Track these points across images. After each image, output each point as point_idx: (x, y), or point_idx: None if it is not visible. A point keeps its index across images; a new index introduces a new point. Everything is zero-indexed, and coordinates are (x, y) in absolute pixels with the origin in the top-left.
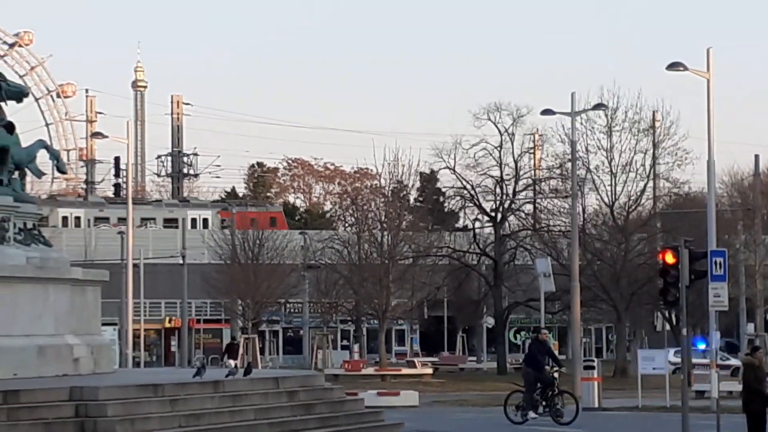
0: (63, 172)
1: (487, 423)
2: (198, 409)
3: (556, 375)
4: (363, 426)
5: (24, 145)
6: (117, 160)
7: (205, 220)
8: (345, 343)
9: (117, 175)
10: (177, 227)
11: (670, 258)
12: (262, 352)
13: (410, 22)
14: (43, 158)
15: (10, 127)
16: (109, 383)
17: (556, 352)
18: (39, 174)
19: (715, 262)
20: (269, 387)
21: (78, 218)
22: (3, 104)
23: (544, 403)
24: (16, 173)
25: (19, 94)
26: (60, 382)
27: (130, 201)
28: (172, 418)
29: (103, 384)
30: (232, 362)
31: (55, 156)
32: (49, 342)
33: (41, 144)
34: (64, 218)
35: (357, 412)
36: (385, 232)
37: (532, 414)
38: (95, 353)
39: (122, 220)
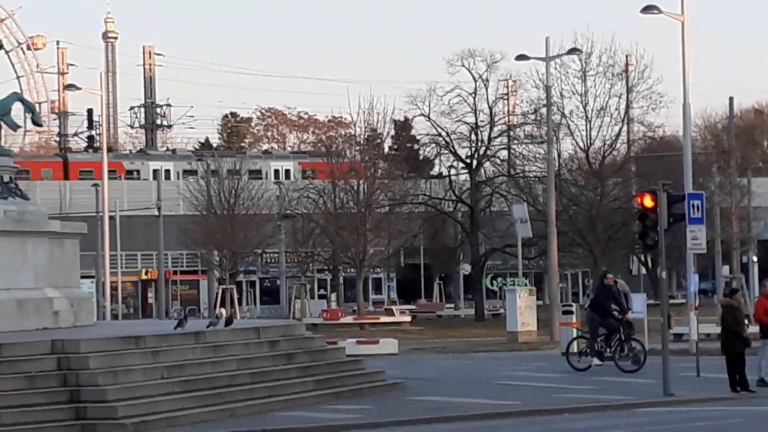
0: (39, 125)
1: (467, 368)
2: (180, 360)
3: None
4: (345, 374)
5: None
6: (90, 112)
7: (288, 171)
8: (322, 292)
9: (90, 127)
10: (261, 179)
11: (648, 201)
12: (240, 303)
13: None
14: (16, 111)
15: None
16: (91, 336)
17: (533, 298)
18: (14, 127)
19: (693, 205)
20: (250, 337)
21: (168, 171)
22: None
23: (608, 349)
24: None
25: None
26: (41, 336)
27: (105, 152)
28: (155, 370)
29: (85, 336)
30: (223, 311)
31: (30, 108)
32: (29, 295)
33: (16, 97)
34: (155, 171)
35: (338, 361)
36: (361, 181)
37: (596, 361)
38: (75, 306)
39: (213, 173)
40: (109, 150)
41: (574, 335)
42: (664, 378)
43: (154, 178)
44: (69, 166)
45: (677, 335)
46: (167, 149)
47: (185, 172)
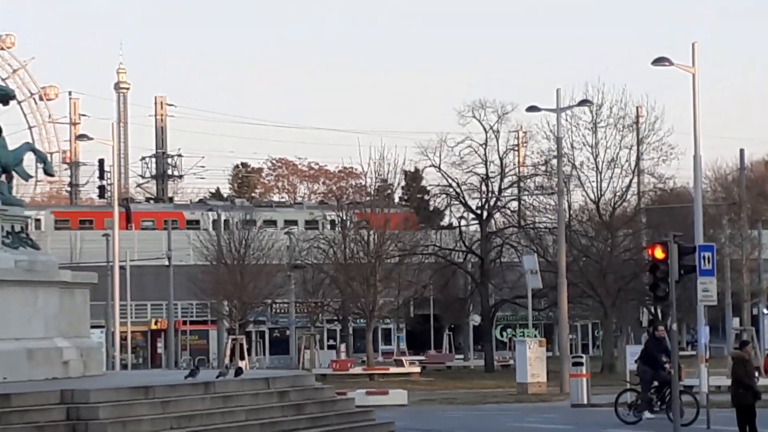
0: (51, 175)
1: (477, 419)
2: (189, 410)
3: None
4: (354, 425)
5: (10, 148)
6: (101, 162)
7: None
8: (331, 342)
9: (101, 177)
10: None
11: (659, 253)
12: (249, 353)
13: (394, 21)
14: (28, 161)
15: None
16: (100, 386)
17: (543, 349)
18: (26, 177)
19: (704, 257)
20: (260, 387)
21: (227, 222)
22: None
23: (659, 402)
24: (3, 176)
25: (5, 96)
26: (51, 385)
27: (116, 203)
28: (164, 420)
29: (94, 386)
30: (241, 363)
31: (42, 159)
32: (39, 345)
33: (28, 147)
34: (215, 221)
35: (348, 412)
36: (371, 231)
37: (647, 414)
38: (85, 356)
39: (289, 223)
40: (158, 199)
41: (626, 387)
42: (675, 430)
43: (214, 228)
44: (132, 216)
45: (687, 387)
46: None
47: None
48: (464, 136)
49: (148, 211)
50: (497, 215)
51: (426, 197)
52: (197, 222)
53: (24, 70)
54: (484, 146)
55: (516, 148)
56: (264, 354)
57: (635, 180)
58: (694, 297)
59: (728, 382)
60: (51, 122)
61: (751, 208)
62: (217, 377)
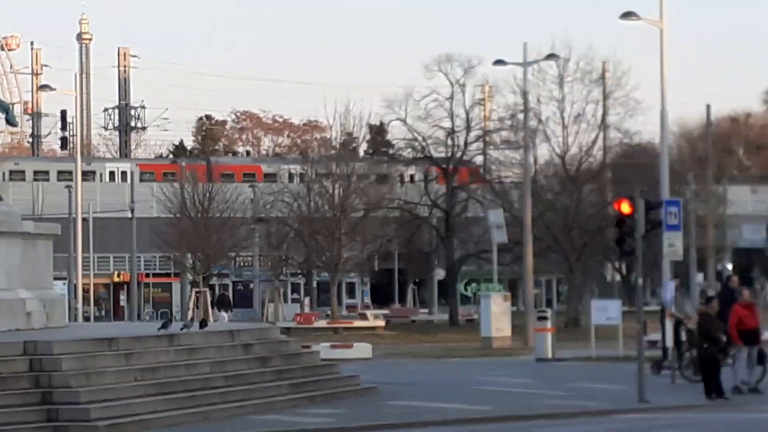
0: (13, 125)
1: (442, 373)
2: (153, 362)
3: None
4: (319, 378)
5: None
6: (63, 113)
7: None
8: (295, 296)
9: (64, 128)
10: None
11: (625, 207)
12: (213, 306)
13: None
14: None
15: None
16: (63, 337)
17: (508, 304)
18: None
19: (670, 212)
20: (224, 340)
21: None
22: None
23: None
24: None
25: None
26: (13, 337)
27: (78, 155)
28: (128, 372)
29: (57, 338)
30: (224, 314)
31: (4, 108)
32: (1, 296)
33: None
34: (291, 174)
35: (312, 365)
36: (336, 185)
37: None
38: (47, 307)
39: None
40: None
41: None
42: (638, 384)
43: (290, 180)
44: (212, 168)
45: (651, 342)
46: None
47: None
48: (430, 89)
49: (227, 164)
50: (462, 169)
51: (391, 151)
52: (274, 175)
53: None
54: (450, 100)
55: (482, 102)
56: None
57: (601, 135)
58: (660, 252)
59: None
60: (12, 72)
61: (717, 164)
62: (182, 329)
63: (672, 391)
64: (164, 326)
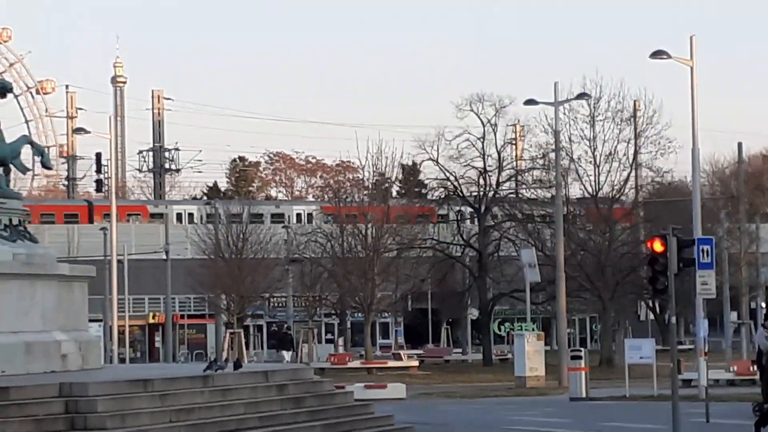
0: (48, 168)
1: (476, 413)
2: (188, 403)
3: None
4: (353, 419)
5: (8, 141)
6: (98, 156)
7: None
8: (329, 336)
9: (98, 171)
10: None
11: (658, 246)
12: (247, 347)
13: (392, 14)
14: (26, 155)
15: None
16: (99, 379)
17: (542, 343)
18: (24, 170)
19: (703, 250)
20: (259, 381)
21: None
22: None
23: None
24: (1, 169)
25: (2, 89)
26: (49, 379)
27: (113, 197)
28: (163, 413)
29: (93, 380)
30: (285, 354)
31: (39, 151)
32: (37, 338)
33: (26, 139)
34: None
35: (346, 405)
36: (369, 225)
37: None
38: (83, 349)
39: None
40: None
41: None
42: (673, 424)
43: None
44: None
45: (686, 381)
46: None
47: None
48: (462, 129)
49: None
50: (495, 209)
51: (423, 191)
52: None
53: (21, 63)
54: (481, 140)
55: (514, 142)
56: (262, 348)
57: (633, 174)
58: (693, 290)
59: (727, 375)
60: (48, 116)
61: (749, 202)
62: (216, 370)
63: (708, 431)
64: (209, 368)
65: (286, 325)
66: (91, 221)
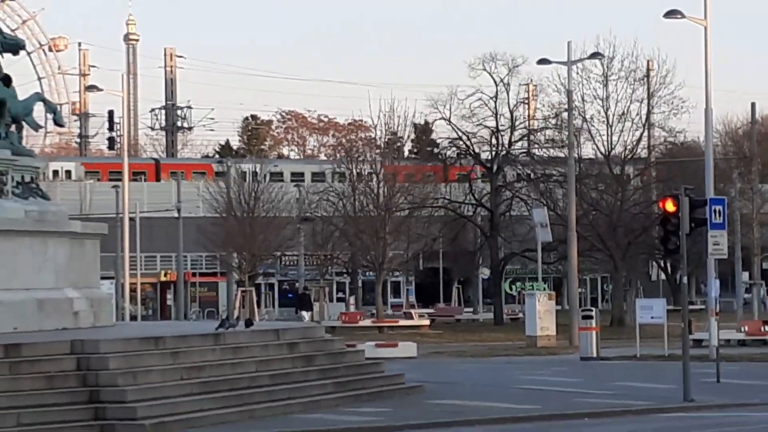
0: (61, 125)
1: (486, 372)
2: (199, 361)
3: None
4: (364, 377)
5: (20, 98)
6: (111, 113)
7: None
8: (341, 295)
9: (111, 129)
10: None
11: (670, 206)
12: (258, 305)
13: None
14: (38, 112)
15: (6, 80)
16: (110, 336)
17: (553, 303)
18: (36, 127)
19: (715, 210)
20: (269, 339)
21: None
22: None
23: None
24: (13, 126)
25: (15, 46)
26: (61, 336)
27: (125, 155)
28: (174, 371)
29: (104, 337)
30: (305, 314)
31: (52, 109)
32: (49, 295)
33: (38, 97)
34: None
35: (357, 364)
36: (381, 184)
37: None
38: (95, 307)
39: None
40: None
41: None
42: (684, 383)
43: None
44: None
45: (697, 341)
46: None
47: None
48: (474, 88)
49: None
50: (507, 168)
51: (436, 150)
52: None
53: (33, 20)
54: (494, 99)
55: (526, 101)
56: (273, 306)
57: (646, 134)
58: (705, 251)
59: (738, 335)
60: (60, 73)
61: (762, 163)
62: (227, 328)
63: (718, 391)
64: (222, 325)
65: (305, 286)
66: (158, 179)
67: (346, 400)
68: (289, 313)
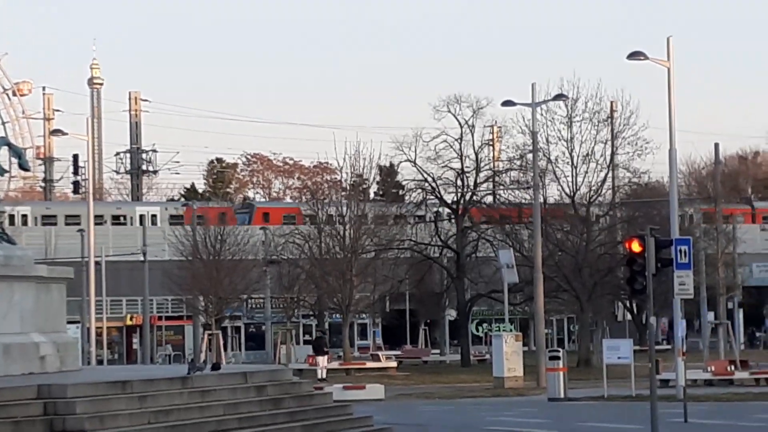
0: (26, 170)
1: (454, 414)
2: (167, 405)
3: None
4: (332, 420)
5: None
6: (75, 157)
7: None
8: (307, 338)
9: (75, 173)
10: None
11: (636, 246)
12: (225, 348)
13: (369, 15)
14: (2, 156)
15: None
16: (77, 381)
17: (520, 344)
18: (1, 172)
19: (680, 251)
20: (237, 382)
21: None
22: None
23: None
24: None
25: None
26: (27, 381)
27: (90, 199)
28: (141, 415)
29: (71, 381)
30: (320, 359)
31: (17, 153)
32: (15, 340)
33: (3, 141)
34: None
35: (325, 406)
36: (347, 226)
37: None
38: (61, 351)
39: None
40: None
41: None
42: (652, 424)
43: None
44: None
45: (664, 381)
46: None
47: None
48: (439, 130)
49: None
50: (472, 210)
51: (401, 192)
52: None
53: None
54: (459, 141)
55: (491, 143)
56: (240, 349)
57: (610, 174)
58: (671, 290)
59: (704, 375)
60: (25, 117)
61: (726, 203)
62: (195, 372)
63: (686, 431)
64: (191, 370)
65: (322, 330)
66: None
67: None
68: (255, 355)
